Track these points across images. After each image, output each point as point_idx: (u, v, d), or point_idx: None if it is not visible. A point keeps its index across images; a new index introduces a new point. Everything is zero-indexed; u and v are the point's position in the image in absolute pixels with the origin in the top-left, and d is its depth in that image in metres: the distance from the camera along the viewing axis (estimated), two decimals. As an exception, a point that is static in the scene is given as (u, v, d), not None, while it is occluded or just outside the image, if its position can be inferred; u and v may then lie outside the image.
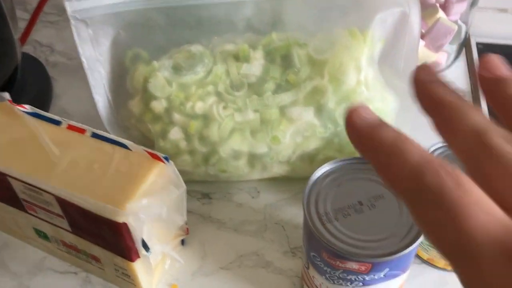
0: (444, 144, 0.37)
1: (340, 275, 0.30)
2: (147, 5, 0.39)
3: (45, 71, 0.56)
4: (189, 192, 0.44)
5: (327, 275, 0.31)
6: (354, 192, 0.31)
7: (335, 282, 0.31)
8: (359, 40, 0.39)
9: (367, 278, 0.30)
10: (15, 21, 0.49)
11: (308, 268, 0.33)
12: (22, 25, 0.61)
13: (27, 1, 0.67)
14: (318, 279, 0.32)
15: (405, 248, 0.28)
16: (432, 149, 0.37)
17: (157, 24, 0.40)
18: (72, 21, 0.38)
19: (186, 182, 0.36)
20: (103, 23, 0.39)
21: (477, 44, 0.60)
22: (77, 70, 0.57)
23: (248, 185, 0.44)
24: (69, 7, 0.37)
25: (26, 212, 0.37)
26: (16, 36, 0.48)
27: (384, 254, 0.28)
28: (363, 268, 0.29)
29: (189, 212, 0.43)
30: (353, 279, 0.30)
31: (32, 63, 0.57)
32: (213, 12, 0.39)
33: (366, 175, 0.32)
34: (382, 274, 0.30)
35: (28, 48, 0.60)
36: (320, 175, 0.32)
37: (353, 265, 0.29)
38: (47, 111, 0.53)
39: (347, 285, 0.31)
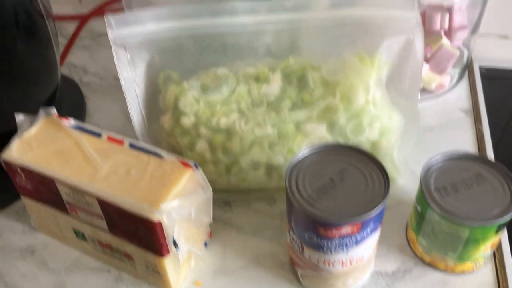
0: (441, 157, 0.41)
1: (337, 242, 0.35)
2: (178, 33, 0.44)
3: (80, 90, 0.62)
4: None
5: (324, 248, 0.35)
6: (324, 172, 0.36)
7: (333, 251, 0.36)
8: (367, 64, 0.44)
9: (358, 237, 0.35)
10: (57, 44, 0.55)
11: (302, 251, 0.37)
12: (60, 48, 0.67)
13: (62, 26, 0.73)
14: (315, 256, 0.37)
15: (383, 198, 0.34)
16: (432, 160, 0.41)
17: (187, 49, 0.45)
18: (113, 46, 0.43)
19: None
20: (140, 48, 0.44)
21: (480, 68, 0.64)
22: (108, 89, 0.62)
23: (265, 194, 0.48)
24: (110, 34, 0.42)
25: (68, 214, 0.41)
26: (58, 58, 0.54)
27: (369, 210, 0.33)
28: (355, 228, 0.34)
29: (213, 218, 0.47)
30: (347, 242, 0.35)
31: (68, 83, 0.62)
32: (236, 39, 0.44)
33: (328, 158, 0.37)
34: (368, 230, 0.35)
35: (64, 70, 0.65)
36: (294, 164, 0.37)
37: (347, 229, 0.34)
38: (81, 126, 0.58)
39: (343, 250, 0.35)
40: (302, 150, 0.37)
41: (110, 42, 0.43)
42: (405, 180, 0.47)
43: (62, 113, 0.58)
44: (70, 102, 0.60)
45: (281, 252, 0.44)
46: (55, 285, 0.43)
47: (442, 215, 0.38)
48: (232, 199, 0.48)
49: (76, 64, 0.67)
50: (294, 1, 0.44)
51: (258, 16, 0.44)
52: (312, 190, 0.35)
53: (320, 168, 0.36)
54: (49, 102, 0.55)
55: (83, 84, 0.63)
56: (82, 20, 0.66)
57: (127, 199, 0.36)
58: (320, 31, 0.45)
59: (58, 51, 0.55)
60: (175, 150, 0.46)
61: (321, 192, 0.35)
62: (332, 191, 0.35)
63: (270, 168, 0.45)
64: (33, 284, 0.43)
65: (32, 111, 0.52)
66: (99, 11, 0.69)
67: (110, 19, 0.42)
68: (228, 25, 0.44)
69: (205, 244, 0.44)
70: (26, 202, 0.44)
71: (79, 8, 0.76)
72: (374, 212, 0.33)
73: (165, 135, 0.46)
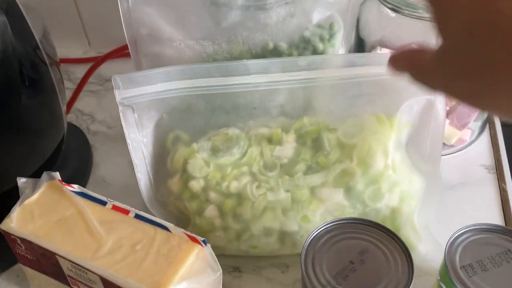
0: (466, 230, 0.38)
1: None
2: (189, 92, 0.42)
3: (86, 139, 0.60)
4: (220, 266, 0.46)
5: None
6: (342, 253, 0.34)
7: None
8: (386, 126, 0.42)
9: None
10: (63, 92, 0.53)
11: None
12: (67, 94, 0.66)
13: (70, 70, 0.72)
14: None
15: (407, 286, 0.32)
16: (457, 234, 0.38)
17: (197, 109, 0.43)
18: (120, 107, 0.41)
19: (217, 256, 0.38)
20: (148, 108, 0.42)
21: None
22: (116, 139, 0.61)
23: (278, 260, 0.46)
24: (118, 95, 0.41)
25: (70, 286, 0.39)
26: (64, 107, 0.52)
27: None
28: None
29: (220, 285, 0.44)
30: None
31: (75, 131, 0.61)
32: (249, 99, 0.42)
33: (346, 235, 0.35)
34: None
35: (71, 117, 0.64)
36: (309, 243, 0.35)
37: None
38: (87, 179, 0.57)
39: None
40: (318, 227, 0.35)
41: (117, 103, 0.41)
42: (427, 247, 0.44)
43: (68, 165, 0.57)
44: (77, 152, 0.58)
45: (295, 327, 0.41)
46: None
47: (470, 297, 0.35)
48: (242, 265, 0.46)
49: (83, 111, 0.65)
50: (308, 59, 0.42)
51: (271, 75, 0.42)
52: (330, 275, 0.32)
53: (338, 249, 0.34)
54: (55, 153, 0.54)
55: (91, 132, 0.62)
56: (93, 65, 0.64)
57: (131, 281, 0.33)
58: (336, 90, 0.43)
59: (64, 99, 0.53)
60: (183, 214, 0.44)
61: (340, 277, 0.32)
62: (352, 276, 0.32)
63: (283, 235, 0.42)
64: None
65: (37, 164, 0.50)
66: (110, 56, 0.68)
67: (118, 79, 0.41)
68: (240, 85, 0.42)
69: (214, 317, 0.41)
70: (26, 270, 0.42)
71: (89, 51, 0.75)
72: (399, 302, 0.31)
73: (173, 199, 0.44)
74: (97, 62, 0.64)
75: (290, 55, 0.46)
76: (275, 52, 0.46)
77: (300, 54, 0.46)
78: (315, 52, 0.47)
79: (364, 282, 0.32)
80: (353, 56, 0.43)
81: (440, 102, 0.42)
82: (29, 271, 0.41)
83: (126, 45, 0.48)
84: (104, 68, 0.71)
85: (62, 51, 0.74)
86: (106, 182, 0.55)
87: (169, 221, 0.44)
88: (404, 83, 0.42)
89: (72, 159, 0.57)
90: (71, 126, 0.61)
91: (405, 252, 0.33)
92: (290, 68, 0.42)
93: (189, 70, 0.42)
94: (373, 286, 0.32)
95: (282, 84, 0.42)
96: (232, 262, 0.46)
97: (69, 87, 0.67)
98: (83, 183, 0.55)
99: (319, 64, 0.42)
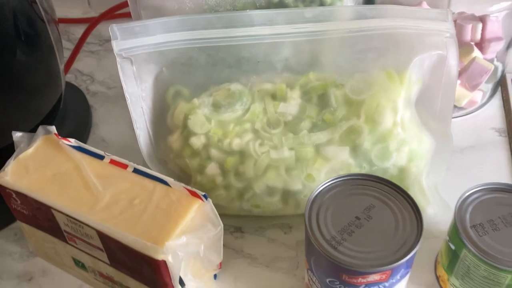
0: (480, 189, 0.37)
1: None
2: (190, 45, 0.40)
3: (86, 100, 0.58)
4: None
5: None
6: (348, 209, 0.32)
7: None
8: (396, 82, 0.40)
9: (387, 284, 0.31)
10: (61, 51, 0.51)
11: None
12: (66, 54, 0.64)
13: (70, 30, 0.70)
14: None
15: (416, 242, 0.30)
16: (467, 193, 0.37)
17: (198, 63, 0.41)
18: (118, 59, 0.39)
19: (219, 215, 0.37)
20: (147, 61, 0.40)
21: (513, 81, 0.59)
22: (116, 99, 0.59)
23: (281, 220, 0.44)
24: (115, 46, 0.39)
25: (67, 242, 0.38)
26: (62, 66, 0.51)
27: (399, 257, 0.29)
28: (383, 276, 0.30)
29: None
30: None
31: (74, 92, 0.59)
32: (252, 53, 0.41)
33: (353, 191, 0.34)
34: (398, 276, 0.31)
35: (70, 77, 0.62)
36: (315, 197, 0.33)
37: (375, 277, 0.30)
38: (86, 139, 0.55)
39: None
40: (323, 182, 0.34)
41: (115, 54, 0.39)
42: (435, 209, 0.42)
43: (66, 125, 0.56)
44: (76, 112, 0.57)
45: (296, 287, 0.40)
46: (53, 317, 0.40)
47: (480, 257, 0.33)
48: (245, 225, 0.45)
49: (83, 71, 0.63)
50: (315, 11, 0.40)
51: (276, 27, 0.40)
52: (335, 230, 0.31)
53: (344, 204, 0.32)
54: (52, 114, 0.52)
55: (90, 93, 0.60)
56: (90, 24, 0.62)
57: (129, 235, 0.32)
58: (344, 44, 0.41)
59: (62, 59, 0.51)
60: (184, 172, 0.43)
61: (345, 232, 0.31)
62: (358, 232, 0.31)
63: (287, 195, 0.41)
64: (29, 315, 0.40)
65: (34, 123, 0.49)
66: (108, 15, 0.65)
67: (115, 29, 0.39)
68: (244, 37, 0.40)
69: (215, 276, 0.41)
70: (23, 226, 0.41)
71: (89, 12, 0.73)
72: (405, 259, 0.29)
73: (173, 156, 0.42)
74: (95, 21, 0.62)
75: (296, 8, 0.44)
76: (280, 5, 0.44)
77: (306, 7, 0.44)
78: (322, 5, 0.44)
79: (370, 238, 0.31)
80: (363, 8, 0.41)
81: (453, 57, 0.40)
82: (26, 228, 0.40)
83: (125, 3, 0.46)
84: (104, 29, 0.69)
85: (62, 11, 0.72)
86: (106, 142, 0.54)
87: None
88: (415, 37, 0.41)
89: (71, 118, 0.55)
90: (70, 86, 0.60)
91: (414, 208, 0.32)
92: (296, 20, 0.40)
93: (189, 20, 0.40)
94: (379, 242, 0.30)
95: (288, 36, 0.40)
96: (234, 222, 0.44)
97: (68, 48, 0.65)
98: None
99: (327, 16, 0.40)
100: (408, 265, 0.31)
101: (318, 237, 0.31)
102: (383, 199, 0.33)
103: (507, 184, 0.37)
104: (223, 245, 0.43)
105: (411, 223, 0.31)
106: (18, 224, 0.41)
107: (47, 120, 0.51)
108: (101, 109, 0.58)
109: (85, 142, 0.54)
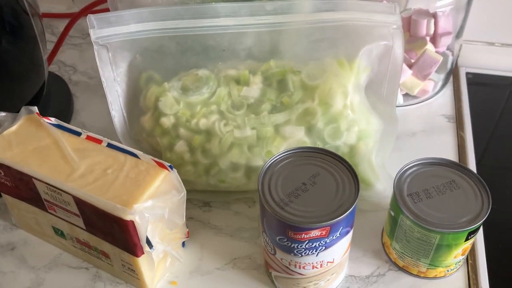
0: (416, 163, 0.41)
1: (306, 246, 0.35)
2: (161, 34, 0.44)
3: (68, 88, 0.62)
4: (191, 200, 0.49)
5: (295, 251, 0.36)
6: (296, 176, 0.37)
7: (303, 254, 0.36)
8: (346, 69, 0.44)
9: (327, 240, 0.35)
10: (44, 43, 0.55)
11: (275, 253, 0.37)
12: (49, 46, 0.67)
13: (54, 25, 0.73)
14: (287, 259, 0.37)
15: (352, 203, 0.35)
16: (406, 167, 0.41)
17: (169, 50, 0.45)
18: (95, 46, 0.43)
19: (188, 191, 0.41)
20: (122, 48, 0.44)
21: (467, 73, 0.64)
22: (96, 89, 0.63)
23: (245, 195, 0.49)
24: (92, 34, 0.43)
25: (47, 211, 0.42)
26: (45, 56, 0.54)
27: (337, 215, 0.34)
28: (323, 232, 0.34)
29: (190, 218, 0.48)
30: (317, 245, 0.35)
31: (57, 81, 0.63)
32: (218, 41, 0.45)
33: (301, 161, 0.38)
34: (338, 233, 0.35)
35: (53, 68, 0.66)
36: (268, 167, 0.37)
37: (316, 233, 0.34)
38: (68, 124, 0.59)
39: (313, 253, 0.36)
40: (276, 154, 0.38)
41: (92, 41, 0.43)
42: (384, 185, 0.47)
43: (49, 111, 0.59)
44: (58, 100, 0.60)
45: (257, 254, 0.45)
46: (34, 283, 0.43)
47: (414, 220, 0.38)
48: (212, 200, 0.49)
49: (66, 63, 0.67)
50: (276, 4, 0.45)
51: (239, 19, 0.44)
52: (284, 194, 0.35)
53: (293, 172, 0.37)
54: (35, 100, 0.56)
55: (72, 82, 0.64)
56: (72, 19, 0.66)
57: (102, 198, 0.36)
58: (301, 35, 0.45)
59: (46, 49, 0.55)
60: (155, 150, 0.47)
61: (292, 195, 0.35)
62: (303, 195, 0.35)
63: (249, 170, 0.45)
64: (12, 281, 0.43)
65: (18, 107, 0.52)
66: (89, 10, 0.69)
67: (92, 18, 0.43)
68: (210, 27, 0.44)
69: (183, 244, 0.45)
70: (6, 198, 0.44)
71: (72, 7, 0.76)
72: (342, 216, 0.34)
73: (146, 135, 0.46)
74: (76, 15, 0.66)
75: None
76: (246, -1, 0.48)
77: (268, 0, 0.48)
78: None
79: (314, 200, 0.35)
80: (319, 2, 0.45)
81: (398, 47, 0.45)
82: (9, 199, 0.44)
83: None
84: (87, 23, 0.73)
85: (47, 6, 0.76)
86: (86, 127, 0.58)
87: (142, 158, 0.47)
88: (364, 28, 0.45)
89: (53, 105, 0.59)
90: (53, 75, 0.64)
91: (353, 176, 0.36)
92: (258, 12, 0.44)
93: (160, 12, 0.44)
94: (321, 203, 0.35)
95: (250, 27, 0.44)
96: (202, 197, 0.49)
97: (52, 41, 0.69)
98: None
99: (286, 9, 0.44)
100: (347, 224, 0.35)
101: (268, 200, 0.35)
102: (327, 168, 0.37)
103: (442, 158, 0.42)
104: (191, 218, 0.47)
105: (350, 188, 0.36)
106: (3, 198, 0.45)
107: (31, 105, 0.54)
108: (82, 97, 0.62)
109: (66, 127, 0.58)
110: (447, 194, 0.39)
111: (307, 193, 0.35)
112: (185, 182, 0.45)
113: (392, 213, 0.41)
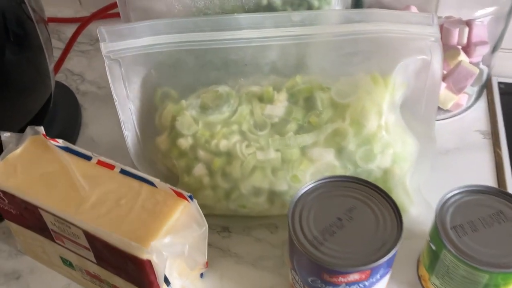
0: (458, 191, 0.38)
1: None
2: (177, 47, 0.40)
3: (76, 99, 0.59)
4: (209, 225, 0.45)
5: None
6: (330, 210, 0.33)
7: None
8: (380, 86, 0.41)
9: (367, 283, 0.32)
10: (51, 51, 0.52)
11: None
12: (56, 53, 0.64)
13: (61, 30, 0.70)
14: None
15: (395, 242, 0.31)
16: (448, 195, 0.37)
17: (186, 65, 0.41)
18: (106, 61, 0.40)
19: (206, 215, 0.37)
20: (135, 63, 0.41)
21: (499, 84, 0.60)
22: (106, 99, 0.59)
23: (267, 220, 0.45)
24: (104, 48, 0.39)
25: (54, 241, 0.38)
26: (51, 66, 0.51)
27: (379, 257, 0.30)
28: (363, 276, 0.31)
29: (208, 245, 0.43)
30: None
31: (64, 91, 0.59)
32: (240, 55, 0.41)
33: (335, 192, 0.34)
34: (378, 276, 0.32)
35: (60, 77, 0.62)
36: (298, 198, 0.34)
37: (355, 276, 0.31)
38: (76, 139, 0.56)
39: None
40: (307, 183, 0.34)
41: (103, 56, 0.40)
42: (418, 210, 0.43)
43: (56, 125, 0.56)
44: (65, 112, 0.57)
45: (281, 286, 0.41)
46: (40, 316, 0.40)
47: (459, 257, 0.34)
48: (231, 225, 0.45)
49: (73, 71, 0.64)
50: (303, 14, 0.41)
51: (263, 31, 0.41)
52: (317, 231, 0.32)
53: (326, 205, 0.33)
54: (41, 114, 0.52)
55: (80, 92, 0.61)
56: (81, 24, 0.63)
57: (114, 234, 0.33)
58: (330, 47, 0.42)
59: (52, 58, 0.52)
60: (172, 172, 0.43)
61: (327, 233, 0.32)
62: (339, 232, 0.32)
63: (273, 195, 0.42)
64: (17, 313, 0.40)
65: (23, 122, 0.49)
66: (99, 15, 0.66)
67: (103, 31, 0.39)
68: (231, 40, 0.41)
69: (201, 275, 0.41)
70: (11, 225, 0.41)
71: (80, 11, 0.73)
72: (385, 259, 0.30)
73: (161, 156, 0.43)
74: (85, 21, 0.62)
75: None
76: (269, 8, 0.45)
77: (294, 11, 0.45)
78: (310, 8, 0.45)
79: (352, 239, 0.31)
80: (349, 12, 0.42)
81: (437, 62, 0.41)
82: (14, 226, 0.41)
83: (115, 3, 0.47)
84: (95, 28, 0.68)
85: (53, 10, 0.73)
86: (95, 142, 0.54)
87: (157, 180, 0.43)
88: (400, 41, 0.41)
89: (60, 118, 0.55)
90: (60, 85, 0.60)
91: (395, 210, 0.33)
92: (283, 24, 0.41)
93: (177, 23, 0.40)
94: (360, 242, 0.31)
95: (275, 40, 0.41)
96: (221, 222, 0.45)
97: (59, 47, 0.65)
98: (71, 143, 0.54)
99: (314, 19, 0.41)
100: (388, 264, 0.32)
101: (300, 237, 0.31)
102: (364, 201, 0.33)
103: (487, 186, 0.38)
104: (210, 244, 0.44)
105: (392, 224, 0.32)
106: (6, 222, 0.42)
107: (37, 120, 0.51)
108: (91, 109, 0.58)
109: (74, 142, 0.55)
110: (495, 227, 0.36)
111: (344, 230, 0.32)
112: (203, 206, 0.41)
113: (433, 247, 0.37)
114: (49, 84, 0.51)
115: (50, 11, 0.74)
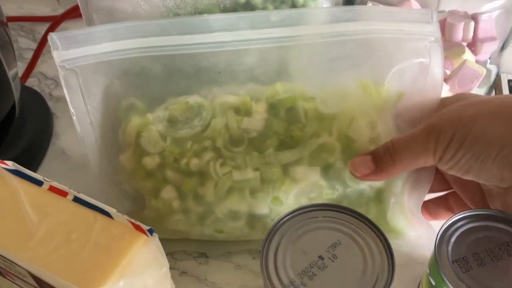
0: (460, 217, 0.33)
1: None
2: (141, 53, 0.36)
3: (47, 107, 0.54)
4: (184, 251, 0.41)
5: None
6: (311, 247, 0.28)
7: None
8: (372, 94, 0.36)
9: None
10: (13, 56, 0.47)
11: None
12: (30, 55, 0.60)
13: (36, 29, 0.65)
14: None
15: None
16: (449, 222, 0.33)
17: (152, 73, 0.37)
18: (61, 71, 0.35)
19: (181, 240, 0.33)
20: (95, 72, 0.36)
21: (509, 81, 0.55)
22: (80, 106, 0.55)
23: (248, 246, 0.40)
24: (56, 57, 0.35)
25: (4, 277, 0.34)
26: (11, 72, 0.46)
27: None
28: None
29: (183, 273, 0.40)
30: None
31: (34, 98, 0.55)
32: (212, 61, 0.36)
33: (316, 223, 0.30)
34: None
35: (33, 81, 0.58)
36: (270, 236, 0.29)
37: None
38: (45, 150, 0.51)
39: None
40: (280, 217, 0.30)
41: (57, 66, 0.35)
42: (418, 232, 0.38)
43: (24, 134, 0.51)
44: (35, 120, 0.52)
45: (263, 321, 0.37)
46: None
47: (462, 297, 0.30)
48: (209, 250, 0.41)
49: (47, 75, 0.59)
50: (283, 14, 0.36)
51: (238, 33, 0.36)
52: (294, 274, 0.27)
53: (306, 241, 0.28)
54: (5, 124, 0.48)
55: (53, 99, 0.56)
56: (52, 23, 0.58)
57: (61, 279, 0.28)
58: (314, 51, 0.37)
59: (14, 64, 0.47)
60: (139, 193, 0.39)
61: (306, 275, 0.27)
62: (320, 274, 0.27)
63: (252, 219, 0.37)
64: None
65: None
66: (74, 12, 0.61)
67: (54, 38, 0.35)
68: (202, 44, 0.36)
69: (173, 310, 0.37)
70: (-39, 256, 0.37)
71: (57, 8, 0.68)
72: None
73: (126, 176, 0.38)
74: (58, 19, 0.58)
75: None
76: (247, 7, 0.40)
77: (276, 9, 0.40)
78: (294, 7, 0.40)
79: (335, 282, 0.27)
80: (336, 9, 0.36)
81: (437, 65, 0.36)
82: (-37, 257, 0.37)
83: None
84: (72, 27, 0.64)
85: (30, 8, 0.68)
86: (66, 154, 0.50)
87: (124, 202, 0.39)
88: (394, 42, 0.36)
89: (29, 128, 0.51)
90: (30, 91, 0.56)
91: (386, 246, 0.28)
92: (261, 25, 0.36)
93: (139, 27, 0.35)
94: (345, 285, 0.27)
95: (252, 43, 0.36)
96: (197, 247, 0.41)
97: (33, 48, 0.61)
98: (40, 155, 0.50)
99: (296, 19, 0.36)
100: None
101: (275, 283, 0.27)
102: (350, 234, 0.29)
103: (495, 210, 0.33)
104: (185, 272, 0.40)
105: (382, 263, 0.27)
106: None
107: (1, 131, 0.47)
108: (63, 117, 0.54)
109: (44, 154, 0.50)
110: (504, 260, 0.31)
111: (325, 271, 0.27)
112: (176, 232, 0.37)
113: (433, 282, 0.32)
114: (11, 92, 0.47)
115: (27, 9, 0.69)
